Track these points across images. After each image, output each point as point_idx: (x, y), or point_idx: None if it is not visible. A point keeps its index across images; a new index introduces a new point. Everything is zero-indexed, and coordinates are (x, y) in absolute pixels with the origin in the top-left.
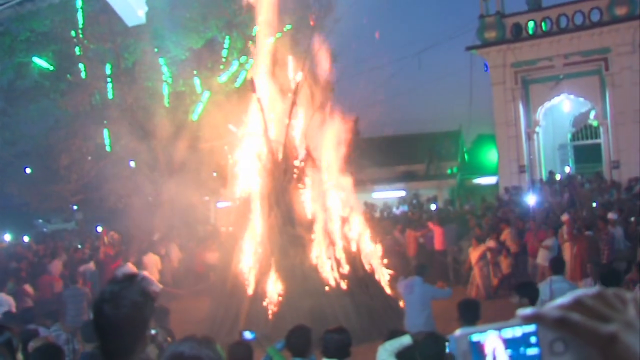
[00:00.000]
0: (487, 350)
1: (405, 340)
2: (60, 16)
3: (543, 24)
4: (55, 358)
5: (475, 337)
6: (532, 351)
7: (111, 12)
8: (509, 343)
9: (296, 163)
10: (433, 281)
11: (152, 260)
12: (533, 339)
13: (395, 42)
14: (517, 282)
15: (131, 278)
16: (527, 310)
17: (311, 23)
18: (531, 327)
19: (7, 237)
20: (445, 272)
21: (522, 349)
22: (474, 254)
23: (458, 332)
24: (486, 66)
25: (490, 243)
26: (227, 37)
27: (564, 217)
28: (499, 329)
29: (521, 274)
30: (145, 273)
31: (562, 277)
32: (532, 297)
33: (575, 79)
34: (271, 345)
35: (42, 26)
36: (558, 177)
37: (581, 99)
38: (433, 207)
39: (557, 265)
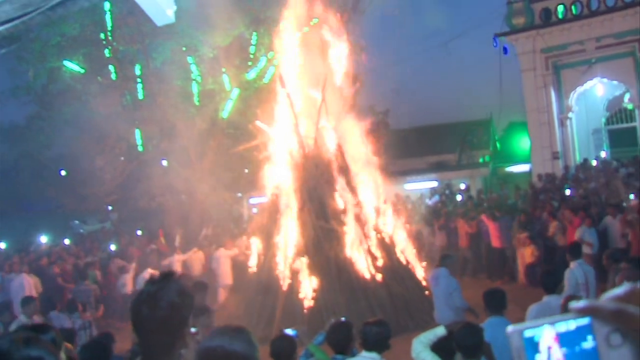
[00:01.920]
0: (542, 347)
1: (440, 331)
2: (89, 20)
3: (573, 7)
4: (102, 355)
5: (528, 333)
6: (588, 344)
7: (139, 14)
8: (563, 338)
9: (327, 157)
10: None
11: (196, 257)
12: (588, 332)
13: (423, 32)
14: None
15: (168, 278)
16: (580, 303)
17: (338, 17)
18: (585, 320)
19: (44, 239)
20: (510, 271)
21: (577, 343)
22: (517, 241)
23: (510, 327)
24: (507, 48)
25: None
26: (255, 33)
27: (634, 201)
28: (553, 323)
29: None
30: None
31: (583, 260)
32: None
33: (608, 62)
34: (311, 342)
35: (72, 30)
36: (594, 162)
37: (615, 82)
38: (459, 197)
39: (575, 251)
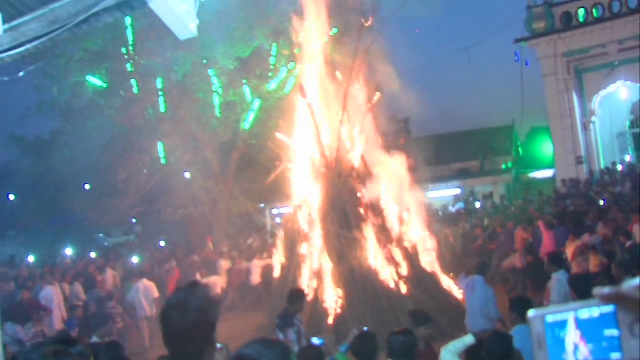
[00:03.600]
0: (568, 344)
1: (469, 340)
2: (111, 35)
3: (594, 10)
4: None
5: (550, 318)
6: (611, 332)
7: (160, 28)
8: (586, 324)
9: (350, 166)
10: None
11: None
12: (612, 320)
13: (443, 39)
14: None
15: (195, 285)
16: (606, 289)
17: (359, 26)
18: (609, 308)
19: (69, 251)
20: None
21: (600, 331)
22: (569, 250)
23: (532, 312)
24: (528, 62)
25: (586, 238)
26: (275, 44)
27: None
28: (576, 310)
29: None
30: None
31: (564, 271)
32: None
33: (631, 65)
34: (338, 351)
35: (95, 45)
36: (620, 167)
37: (639, 85)
38: (478, 205)
39: (558, 261)
